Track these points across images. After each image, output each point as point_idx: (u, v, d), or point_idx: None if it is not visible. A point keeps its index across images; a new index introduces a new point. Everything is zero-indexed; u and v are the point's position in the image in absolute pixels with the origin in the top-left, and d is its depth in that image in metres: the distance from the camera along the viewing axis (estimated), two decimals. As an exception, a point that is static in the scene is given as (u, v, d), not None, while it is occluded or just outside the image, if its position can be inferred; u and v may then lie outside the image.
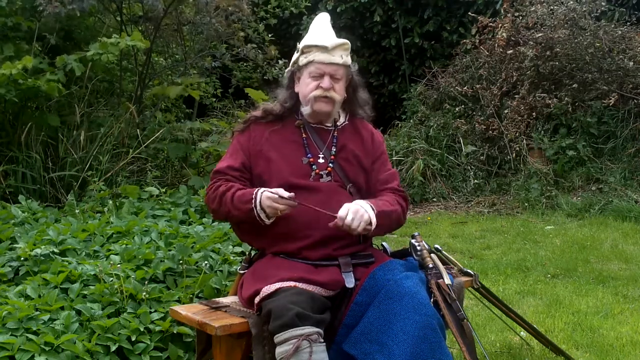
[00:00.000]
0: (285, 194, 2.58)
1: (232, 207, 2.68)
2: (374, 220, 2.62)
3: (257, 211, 2.61)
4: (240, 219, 2.72)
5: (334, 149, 2.81)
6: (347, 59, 2.79)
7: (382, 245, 2.99)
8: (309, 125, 2.84)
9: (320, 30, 2.81)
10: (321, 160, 2.79)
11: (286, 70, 2.94)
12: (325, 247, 2.66)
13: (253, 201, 2.62)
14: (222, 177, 2.77)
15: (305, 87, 2.78)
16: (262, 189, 2.64)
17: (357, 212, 2.59)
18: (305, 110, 2.81)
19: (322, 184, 2.73)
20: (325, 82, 2.74)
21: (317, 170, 2.76)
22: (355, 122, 2.92)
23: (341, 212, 2.59)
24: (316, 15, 2.93)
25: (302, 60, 2.79)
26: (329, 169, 2.77)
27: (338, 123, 2.88)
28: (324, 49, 2.74)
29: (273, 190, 2.60)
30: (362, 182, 2.83)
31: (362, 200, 2.66)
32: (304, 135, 2.82)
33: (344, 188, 2.77)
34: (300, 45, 2.81)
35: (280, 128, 2.83)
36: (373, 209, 2.64)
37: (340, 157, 2.80)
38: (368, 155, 2.85)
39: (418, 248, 2.85)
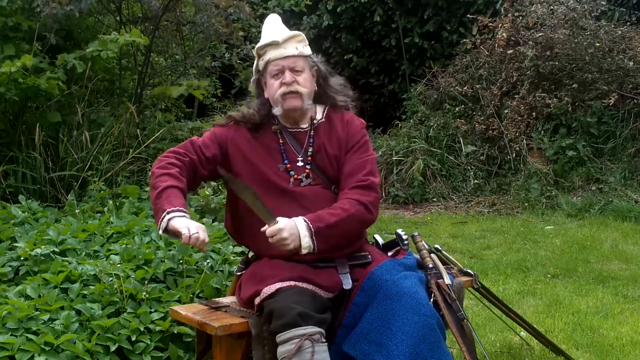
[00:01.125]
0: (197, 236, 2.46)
1: (153, 197, 2.61)
2: (304, 248, 2.51)
3: (161, 224, 2.52)
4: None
5: (310, 151, 2.75)
6: (304, 50, 2.75)
7: (374, 238, 2.97)
8: (285, 130, 2.79)
9: (270, 29, 2.78)
10: (300, 164, 2.73)
11: (251, 80, 2.90)
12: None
13: (160, 222, 2.52)
14: (185, 156, 2.69)
15: (271, 88, 2.75)
16: (172, 216, 2.50)
17: (282, 236, 2.49)
18: (277, 111, 2.75)
19: (305, 189, 2.69)
20: (287, 76, 2.70)
21: (295, 176, 2.71)
22: (332, 117, 2.83)
23: (271, 229, 2.49)
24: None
25: (261, 64, 2.77)
26: (306, 171, 2.73)
27: (315, 121, 2.80)
28: (275, 45, 2.72)
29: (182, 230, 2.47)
30: None
31: (302, 222, 2.52)
32: (280, 141, 2.77)
33: (329, 189, 2.74)
34: (254, 51, 2.80)
35: (260, 136, 2.78)
36: (311, 230, 2.50)
37: (318, 158, 2.74)
38: (342, 149, 2.77)
39: (404, 237, 2.83)
